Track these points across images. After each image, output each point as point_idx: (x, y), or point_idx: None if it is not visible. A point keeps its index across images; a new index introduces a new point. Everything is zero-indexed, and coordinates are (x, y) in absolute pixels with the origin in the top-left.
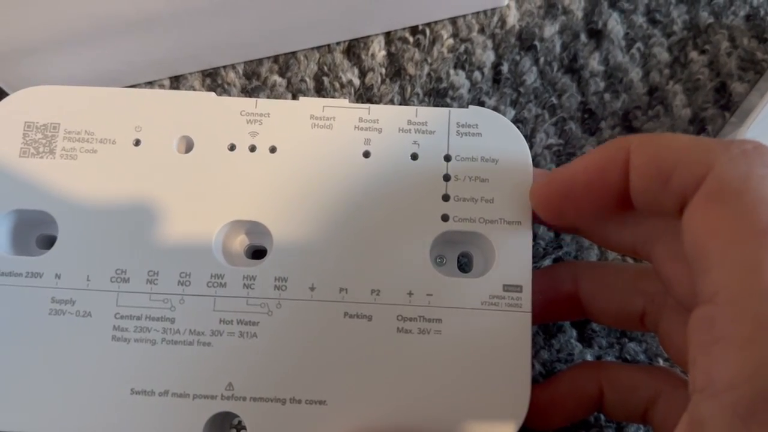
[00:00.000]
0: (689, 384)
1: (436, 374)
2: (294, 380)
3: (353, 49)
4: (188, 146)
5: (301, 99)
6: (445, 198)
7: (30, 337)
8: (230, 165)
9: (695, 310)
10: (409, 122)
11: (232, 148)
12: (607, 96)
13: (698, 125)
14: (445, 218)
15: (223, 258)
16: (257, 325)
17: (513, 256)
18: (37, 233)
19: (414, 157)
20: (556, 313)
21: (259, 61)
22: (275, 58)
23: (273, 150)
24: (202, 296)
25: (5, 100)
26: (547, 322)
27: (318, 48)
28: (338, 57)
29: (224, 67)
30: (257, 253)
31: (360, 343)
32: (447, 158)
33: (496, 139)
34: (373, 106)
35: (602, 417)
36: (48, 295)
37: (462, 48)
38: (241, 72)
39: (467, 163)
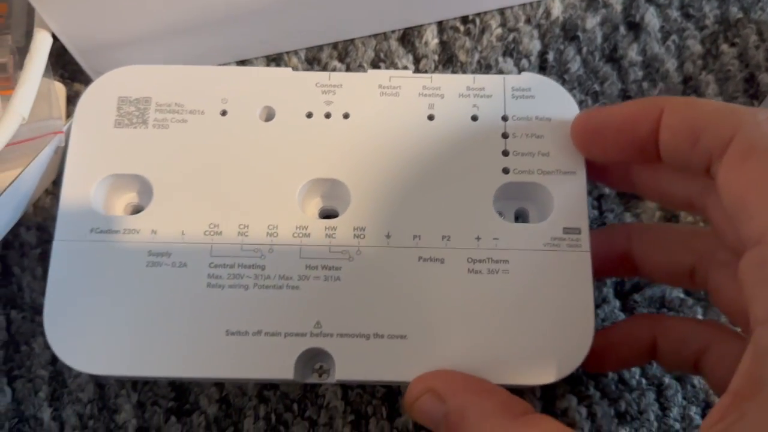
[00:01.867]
0: (751, 320)
1: (505, 311)
2: (376, 318)
3: (408, 37)
4: (270, 115)
5: (370, 71)
6: (505, 153)
7: (130, 288)
8: (308, 131)
9: (746, 254)
10: (468, 88)
11: (309, 115)
12: (645, 84)
13: None
14: (506, 171)
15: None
16: (340, 269)
17: (570, 203)
18: (125, 203)
19: (474, 118)
20: (610, 269)
21: (320, 48)
22: (335, 45)
23: (346, 116)
24: (288, 245)
25: (99, 78)
26: (602, 277)
27: (375, 35)
28: (393, 44)
29: (287, 52)
30: (329, 217)
31: (435, 284)
32: (504, 118)
33: (547, 100)
34: (435, 75)
35: (643, 381)
36: (145, 249)
37: (510, 37)
38: (303, 57)
39: (523, 122)
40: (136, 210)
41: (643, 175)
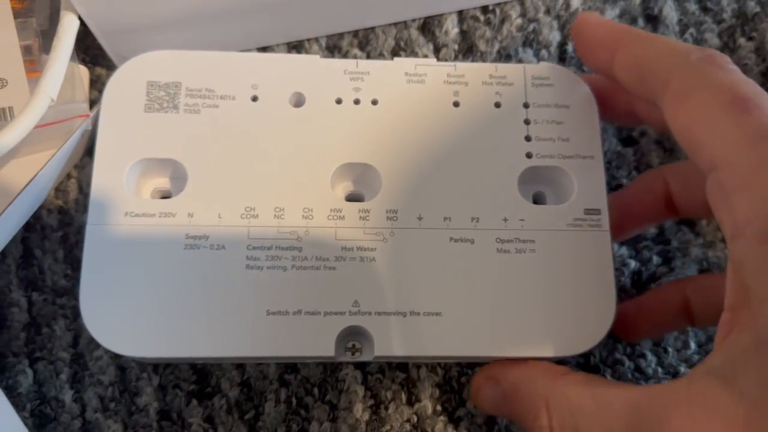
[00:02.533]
0: (726, 239)
1: (532, 287)
2: (411, 296)
3: (428, 26)
4: (300, 101)
5: (396, 59)
6: (527, 139)
7: (168, 270)
8: (338, 116)
9: (707, 181)
10: (491, 76)
11: (339, 101)
12: None
13: None
14: (528, 156)
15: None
16: (374, 250)
17: (590, 185)
18: (153, 188)
19: (497, 105)
20: (654, 215)
21: (340, 35)
22: (355, 33)
23: (375, 102)
24: (324, 227)
25: (126, 63)
26: (646, 224)
27: (395, 24)
28: (414, 33)
29: (308, 40)
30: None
31: (465, 263)
32: (526, 105)
33: (565, 89)
34: (458, 64)
35: (659, 370)
36: (182, 232)
37: (530, 27)
38: (323, 45)
39: (543, 109)
40: (164, 196)
41: (641, 107)
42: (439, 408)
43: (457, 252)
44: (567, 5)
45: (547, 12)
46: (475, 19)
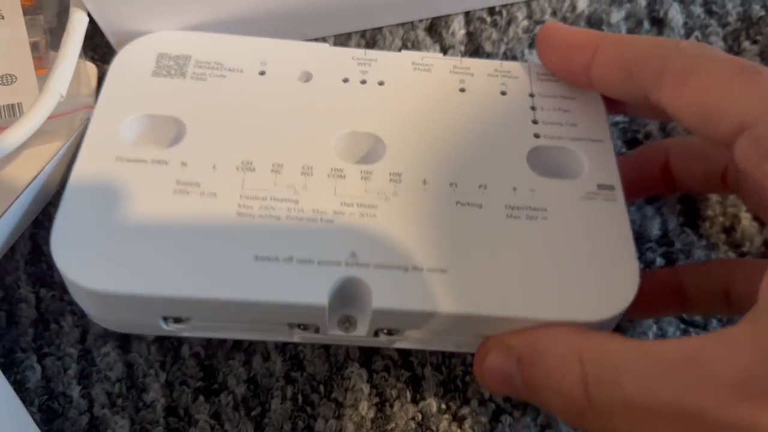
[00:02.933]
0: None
1: (546, 252)
2: (414, 252)
3: (435, 27)
4: (307, 77)
5: (403, 51)
6: (535, 122)
7: (153, 211)
8: (345, 92)
9: (736, 146)
10: (496, 70)
11: (345, 80)
12: None
13: None
14: (536, 136)
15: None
16: (376, 207)
17: (601, 164)
18: (153, 145)
19: (503, 93)
20: (651, 186)
21: (348, 35)
22: (363, 33)
23: (381, 83)
24: (323, 184)
25: (139, 38)
26: (644, 195)
27: (402, 24)
28: (421, 34)
29: (316, 39)
30: None
31: (473, 225)
32: (531, 95)
33: (570, 84)
34: (464, 59)
35: None
36: (173, 178)
37: (536, 29)
38: (331, 44)
39: (549, 98)
40: None
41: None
42: (443, 406)
43: (463, 215)
44: (573, 7)
45: (554, 14)
46: (482, 20)
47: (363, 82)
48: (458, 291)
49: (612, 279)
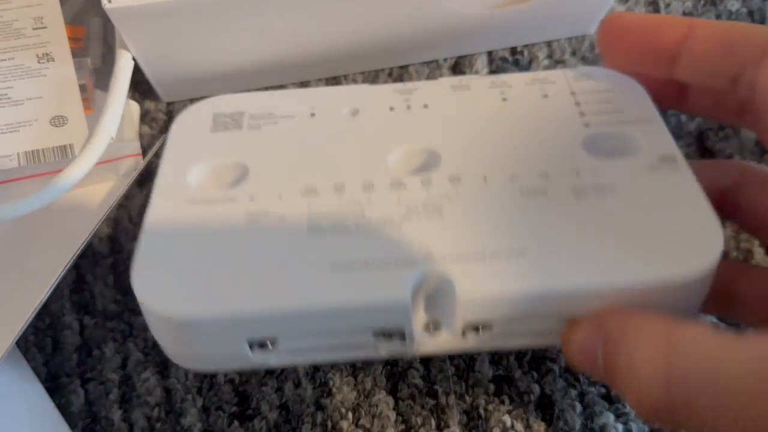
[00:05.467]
0: None
1: (625, 225)
2: (489, 239)
3: (459, 66)
4: (355, 111)
5: (440, 79)
6: (582, 114)
7: (228, 242)
8: (393, 117)
9: None
10: (533, 79)
11: (391, 108)
12: (683, 117)
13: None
14: (587, 125)
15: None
16: (441, 207)
17: (657, 141)
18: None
19: (545, 96)
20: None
21: (376, 73)
22: (390, 71)
23: (425, 106)
24: (386, 194)
25: (193, 105)
26: None
27: (428, 63)
28: (446, 73)
29: (345, 76)
30: None
31: (543, 211)
32: (573, 93)
33: (607, 79)
34: (500, 75)
35: None
36: (242, 211)
37: (556, 68)
38: (360, 81)
39: (590, 94)
40: None
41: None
42: None
43: (531, 202)
44: (592, 47)
45: (573, 53)
46: (504, 60)
47: (408, 107)
48: (541, 269)
49: (695, 236)
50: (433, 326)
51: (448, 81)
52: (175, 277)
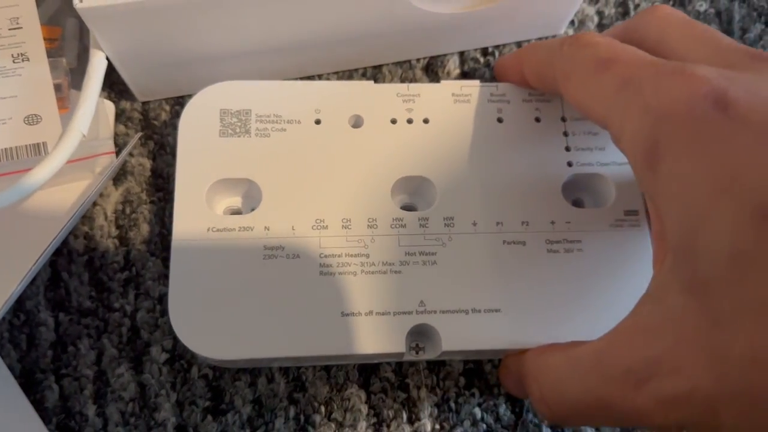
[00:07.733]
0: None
1: (582, 282)
2: (472, 295)
3: (431, 67)
4: (359, 123)
5: (443, 82)
6: (567, 149)
7: (250, 279)
8: (394, 135)
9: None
10: (530, 94)
11: (393, 121)
12: None
13: None
14: (569, 164)
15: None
16: (435, 254)
17: (627, 189)
18: (226, 206)
19: (537, 120)
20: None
21: (350, 73)
22: (364, 71)
23: (426, 121)
24: (388, 235)
25: (198, 93)
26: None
27: (401, 64)
28: (418, 73)
29: (319, 75)
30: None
31: (519, 263)
32: (563, 119)
33: None
34: (500, 84)
35: None
36: (261, 244)
37: None
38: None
39: (579, 122)
40: (234, 212)
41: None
42: (437, 426)
43: (510, 253)
44: None
45: None
46: (475, 60)
47: (409, 121)
48: (511, 329)
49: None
50: (418, 348)
51: (450, 87)
52: (206, 319)
